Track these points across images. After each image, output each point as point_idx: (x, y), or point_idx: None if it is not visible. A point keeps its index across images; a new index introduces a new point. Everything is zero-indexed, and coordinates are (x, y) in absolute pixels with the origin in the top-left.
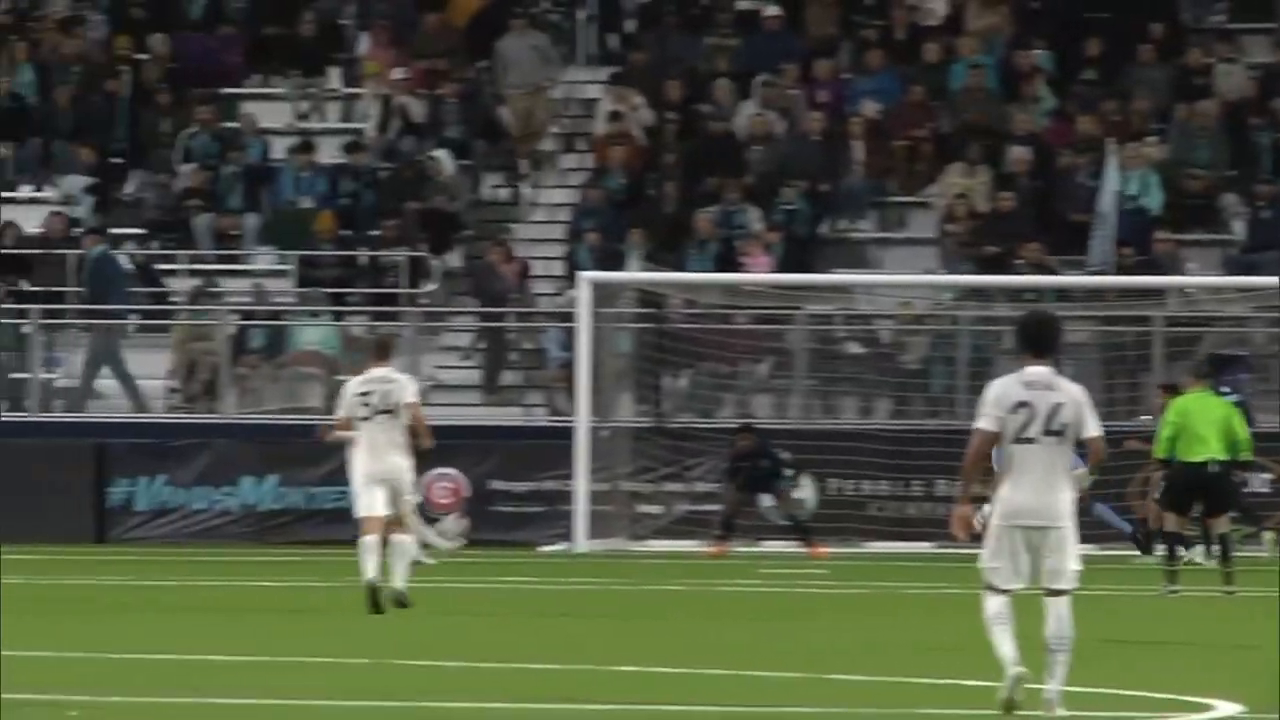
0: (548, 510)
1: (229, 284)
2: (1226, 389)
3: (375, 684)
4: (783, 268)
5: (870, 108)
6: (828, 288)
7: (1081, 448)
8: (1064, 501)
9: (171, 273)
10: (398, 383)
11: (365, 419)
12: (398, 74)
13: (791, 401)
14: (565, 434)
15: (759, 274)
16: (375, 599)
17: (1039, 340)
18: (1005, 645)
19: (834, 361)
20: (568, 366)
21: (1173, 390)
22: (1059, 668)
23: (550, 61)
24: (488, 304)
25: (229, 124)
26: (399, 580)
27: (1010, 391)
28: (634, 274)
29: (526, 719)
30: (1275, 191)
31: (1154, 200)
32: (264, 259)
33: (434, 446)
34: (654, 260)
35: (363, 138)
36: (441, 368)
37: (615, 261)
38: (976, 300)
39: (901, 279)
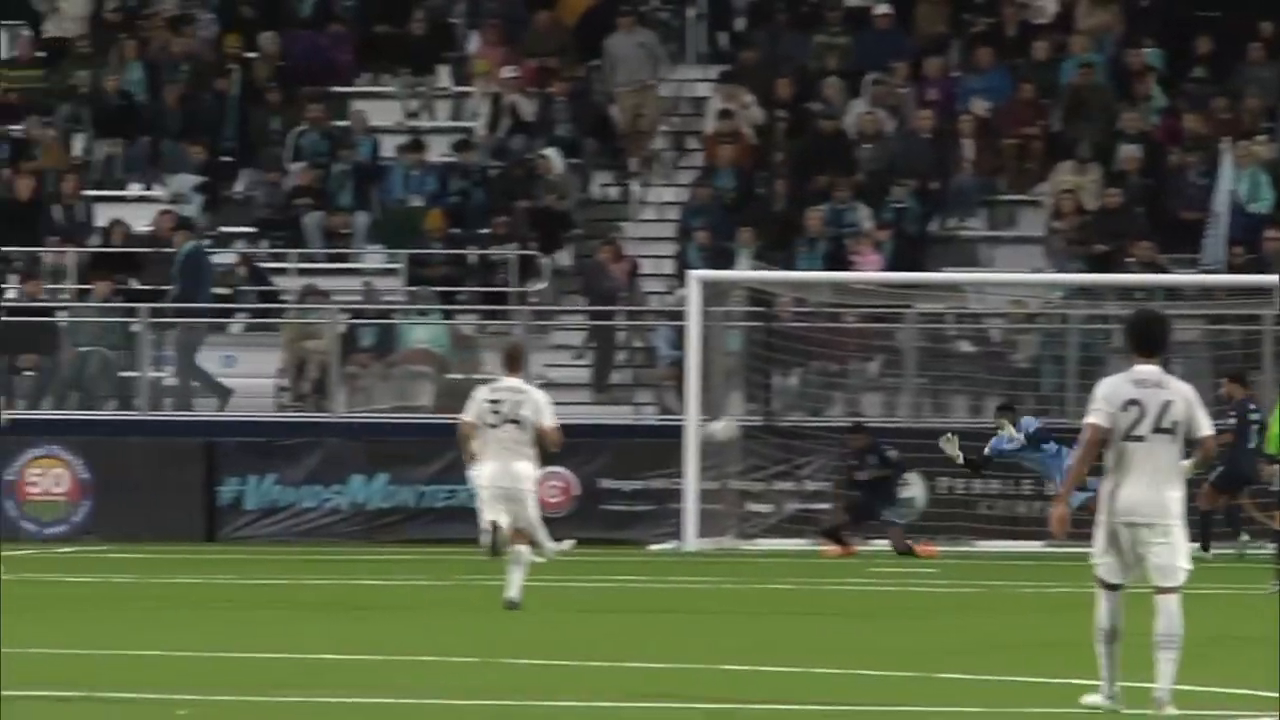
0: (657, 509)
1: (338, 282)
2: None
3: (484, 682)
4: (892, 266)
5: (980, 106)
6: (937, 286)
7: (1191, 446)
8: (1173, 499)
9: (281, 271)
10: (528, 394)
11: (493, 426)
12: (507, 72)
13: (901, 400)
14: (675, 432)
15: (869, 272)
16: (496, 541)
17: (1148, 339)
18: (1105, 669)
19: (944, 360)
20: (677, 365)
21: (1240, 381)
22: (1169, 665)
23: (658, 59)
24: (597, 303)
25: (339, 122)
26: (514, 589)
27: (1120, 389)
28: (744, 272)
29: (635, 718)
30: None
31: (1264, 199)
32: (373, 257)
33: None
34: (763, 259)
35: (472, 136)
36: (551, 366)
37: (725, 260)
38: (1086, 298)
39: (1011, 277)
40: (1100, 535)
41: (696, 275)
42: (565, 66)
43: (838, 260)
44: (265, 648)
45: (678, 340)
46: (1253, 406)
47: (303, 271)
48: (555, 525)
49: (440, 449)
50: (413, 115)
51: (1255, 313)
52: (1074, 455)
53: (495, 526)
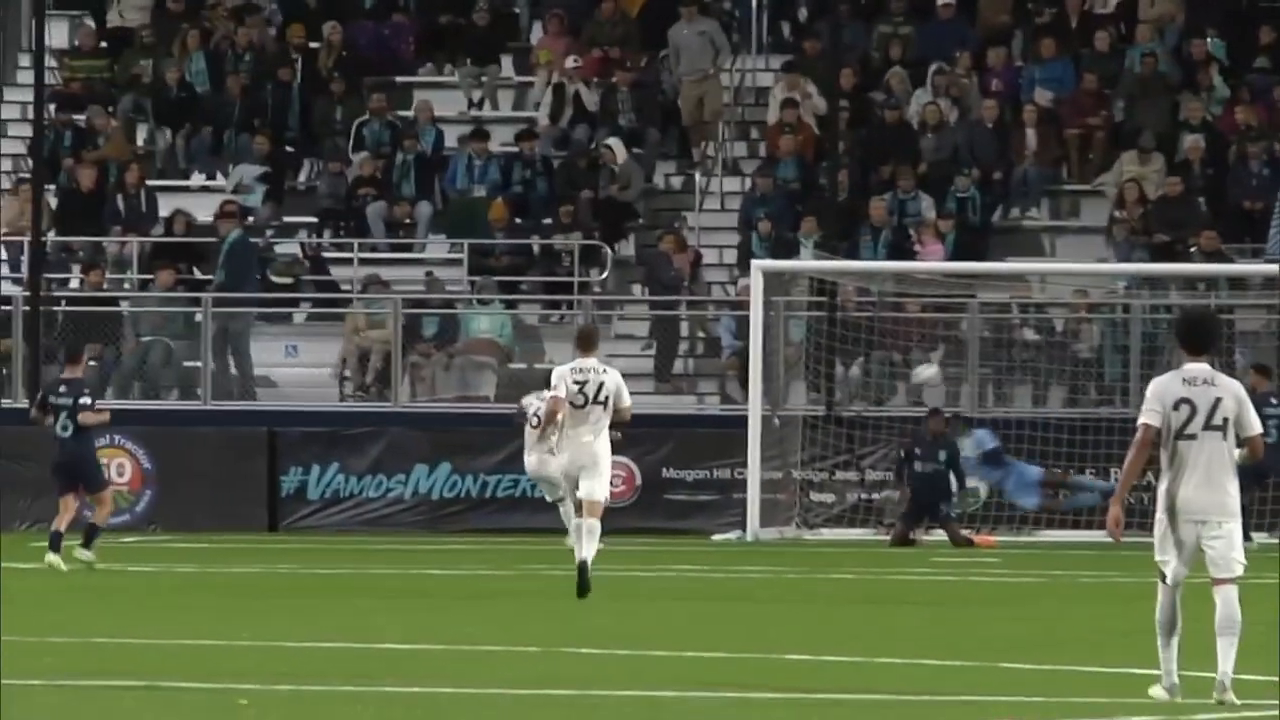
0: (721, 498)
1: (401, 272)
2: None
3: (547, 672)
4: (955, 256)
5: (1043, 96)
6: (1000, 276)
7: (1242, 444)
8: (1228, 494)
9: (344, 261)
10: (610, 375)
11: (578, 406)
12: (570, 62)
13: (964, 390)
14: (738, 422)
15: (931, 262)
16: (583, 578)
17: (1197, 338)
18: (1167, 661)
19: (1007, 350)
20: (740, 355)
21: (1265, 373)
22: (1229, 650)
23: (720, 49)
24: (660, 293)
25: (402, 112)
26: (588, 549)
27: (1171, 388)
28: (806, 262)
29: (698, 707)
30: None
31: None
32: (436, 248)
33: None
34: (826, 248)
35: (535, 126)
36: (614, 356)
37: (788, 250)
38: (1149, 288)
39: (1074, 267)
40: (1159, 532)
41: (759, 265)
42: (628, 56)
43: (900, 250)
44: (327, 637)
45: (740, 330)
46: (1274, 400)
47: (365, 262)
48: (619, 515)
49: (503, 439)
50: (475, 105)
51: None
52: (1129, 454)
53: (582, 566)
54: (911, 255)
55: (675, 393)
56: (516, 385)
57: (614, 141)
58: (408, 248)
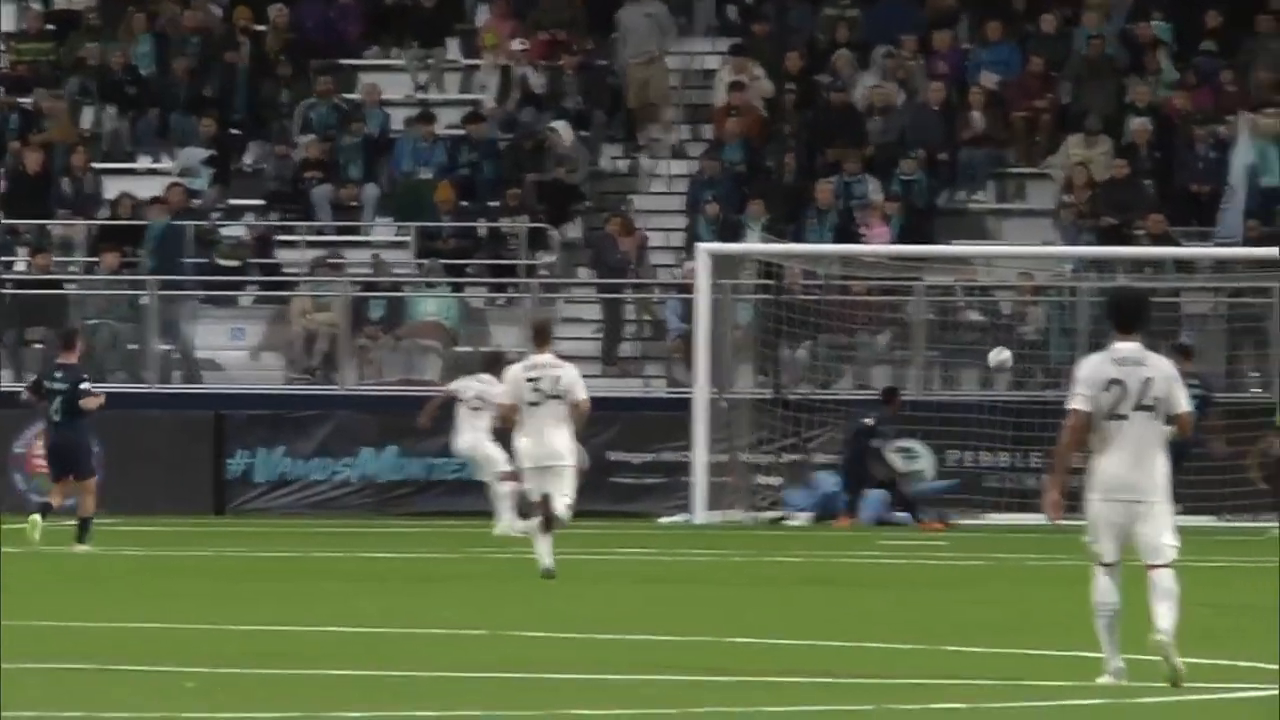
0: (667, 481)
1: (348, 255)
2: None
3: (494, 655)
4: (902, 239)
5: (989, 78)
6: (946, 259)
7: (1171, 422)
8: (1159, 475)
9: (290, 244)
10: (565, 369)
11: (535, 404)
12: (517, 45)
13: (910, 373)
14: (685, 405)
15: (878, 245)
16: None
17: (1127, 317)
18: (1106, 646)
19: (953, 332)
20: (686, 338)
21: (1185, 352)
22: (1168, 610)
23: (667, 31)
24: (606, 275)
25: (348, 95)
26: (548, 558)
27: (1101, 369)
28: (753, 245)
29: (645, 691)
30: None
31: (1274, 172)
32: (383, 230)
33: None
34: (773, 231)
35: (481, 109)
36: (560, 339)
37: (734, 233)
38: (1096, 271)
39: (1020, 250)
40: (1091, 515)
41: (705, 248)
42: (574, 39)
43: (847, 233)
44: (274, 621)
45: (687, 313)
46: (1195, 381)
47: (312, 244)
48: None
49: (450, 422)
50: (422, 88)
51: (1267, 285)
52: (1060, 439)
53: (548, 574)
54: (857, 238)
55: (622, 376)
56: (462, 368)
57: (560, 124)
58: (354, 230)
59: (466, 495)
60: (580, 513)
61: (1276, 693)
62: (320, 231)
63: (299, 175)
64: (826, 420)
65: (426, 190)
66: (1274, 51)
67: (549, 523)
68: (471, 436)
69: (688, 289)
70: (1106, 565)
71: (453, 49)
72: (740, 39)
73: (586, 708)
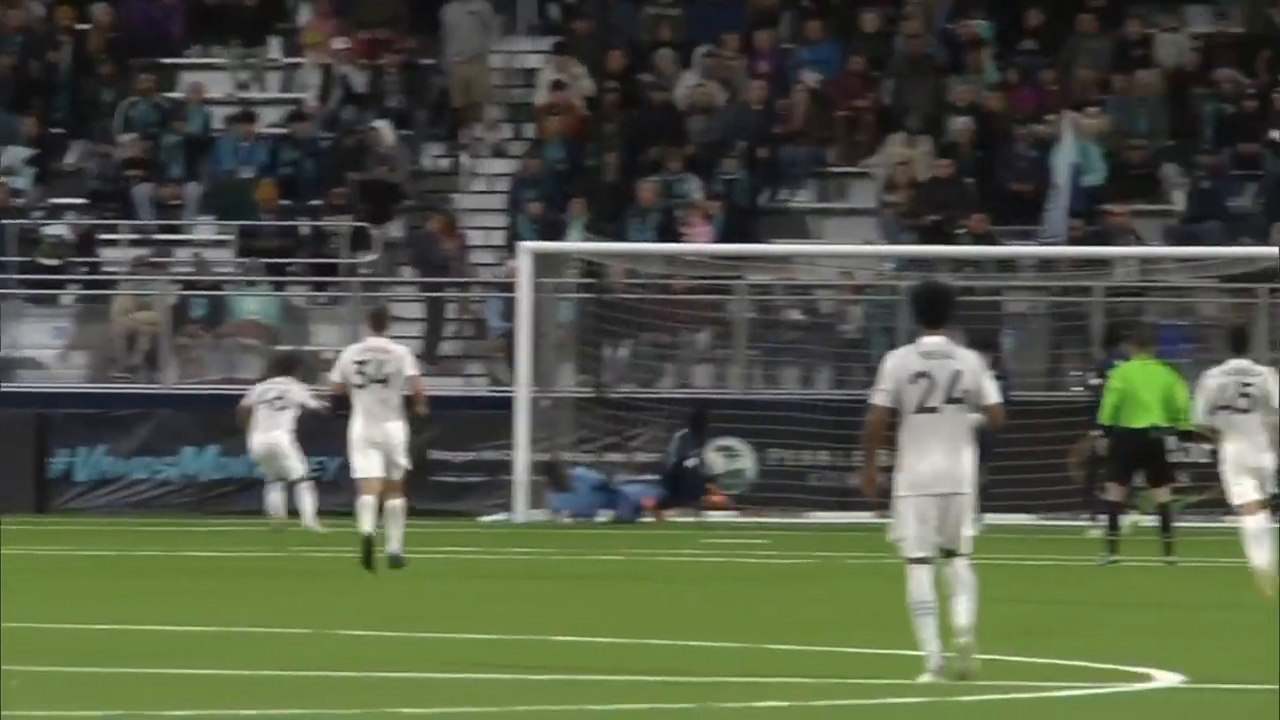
0: (488, 480)
1: (170, 254)
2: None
3: (317, 654)
4: (723, 238)
5: (811, 78)
6: (768, 258)
7: (982, 413)
8: (968, 468)
9: (112, 243)
10: (394, 353)
11: (360, 387)
12: (339, 44)
13: (732, 371)
14: (506, 404)
15: (700, 244)
16: (369, 552)
17: (933, 311)
18: (927, 642)
19: (774, 331)
20: (508, 336)
21: (990, 347)
22: (966, 604)
23: (491, 29)
24: (428, 274)
25: (170, 94)
26: (395, 543)
27: (908, 363)
28: (574, 244)
29: (467, 689)
30: (1215, 162)
31: (1095, 171)
32: (204, 229)
33: (429, 415)
34: (595, 230)
35: (303, 108)
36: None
37: (556, 231)
38: (917, 270)
39: (842, 249)
40: (901, 510)
41: (527, 246)
42: (396, 38)
43: (668, 232)
44: (96, 619)
45: (508, 312)
46: (994, 374)
47: (134, 243)
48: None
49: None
50: (244, 87)
51: (1089, 284)
52: (864, 433)
53: (368, 539)
54: (679, 237)
55: (443, 374)
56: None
57: (382, 123)
58: (176, 229)
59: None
60: None
61: (1276, 693)
62: (142, 230)
63: (121, 174)
64: (648, 419)
65: (248, 189)
66: (1095, 50)
67: (368, 559)
68: (269, 436)
69: (509, 288)
70: (921, 560)
71: (274, 48)
72: (562, 38)
73: (409, 706)
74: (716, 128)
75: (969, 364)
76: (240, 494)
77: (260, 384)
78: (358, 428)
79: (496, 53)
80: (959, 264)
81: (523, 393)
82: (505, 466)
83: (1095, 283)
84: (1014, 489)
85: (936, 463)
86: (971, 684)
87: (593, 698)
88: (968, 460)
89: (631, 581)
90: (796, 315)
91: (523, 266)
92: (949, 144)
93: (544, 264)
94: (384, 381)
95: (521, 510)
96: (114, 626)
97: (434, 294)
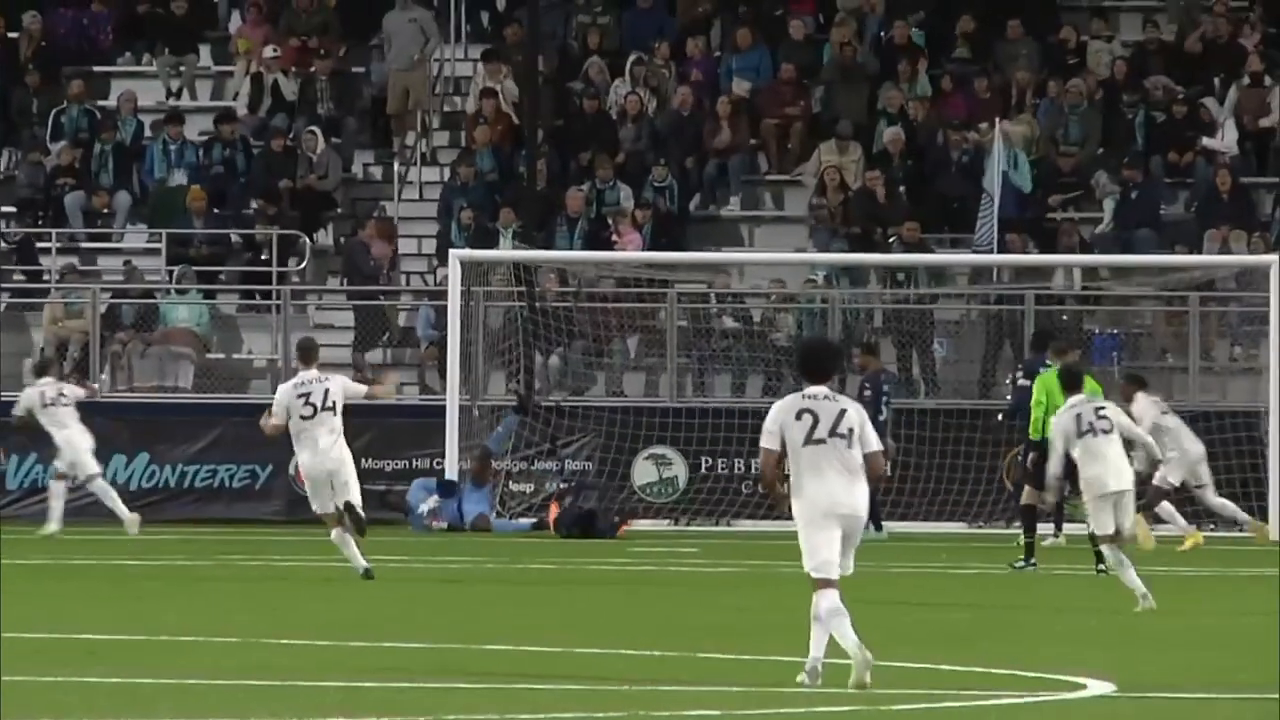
0: None
1: (100, 262)
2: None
3: (247, 661)
4: (653, 245)
5: (741, 86)
6: (698, 265)
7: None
8: (864, 495)
9: (43, 251)
10: (333, 381)
11: (308, 418)
12: (269, 51)
13: (663, 379)
14: (437, 412)
15: (630, 252)
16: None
17: (816, 366)
18: (816, 645)
19: (705, 339)
20: (439, 345)
21: (874, 352)
22: (850, 630)
23: (430, 37)
24: (359, 282)
25: (100, 102)
26: (361, 559)
27: (790, 404)
28: (505, 252)
29: (399, 697)
30: (1146, 170)
31: (1025, 178)
32: (135, 237)
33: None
34: (525, 238)
35: (234, 115)
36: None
37: (486, 239)
38: (848, 278)
39: (772, 257)
40: (814, 538)
41: (458, 254)
42: (326, 45)
43: (598, 239)
44: (26, 627)
45: (439, 320)
46: (882, 376)
47: (64, 251)
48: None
49: (201, 429)
50: (174, 95)
51: (1020, 292)
52: (760, 479)
53: (366, 573)
54: (609, 245)
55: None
56: (213, 375)
57: (312, 131)
58: (106, 237)
59: (217, 502)
60: None
61: (1276, 696)
62: (73, 238)
63: (51, 182)
64: (579, 427)
65: (179, 196)
66: (1026, 57)
67: (359, 526)
68: (66, 433)
69: (440, 295)
70: (829, 581)
71: (205, 55)
72: (493, 46)
73: (338, 715)
74: (646, 135)
75: (854, 407)
76: (169, 502)
77: (26, 396)
78: (306, 461)
79: (429, 61)
80: (890, 271)
81: (453, 400)
82: (437, 474)
83: (1028, 290)
84: (945, 496)
85: (835, 489)
86: (905, 692)
87: (523, 706)
88: (864, 487)
89: (562, 589)
90: (728, 323)
91: (453, 274)
92: (880, 151)
93: (474, 272)
94: (330, 409)
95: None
96: (45, 635)
97: (364, 302)
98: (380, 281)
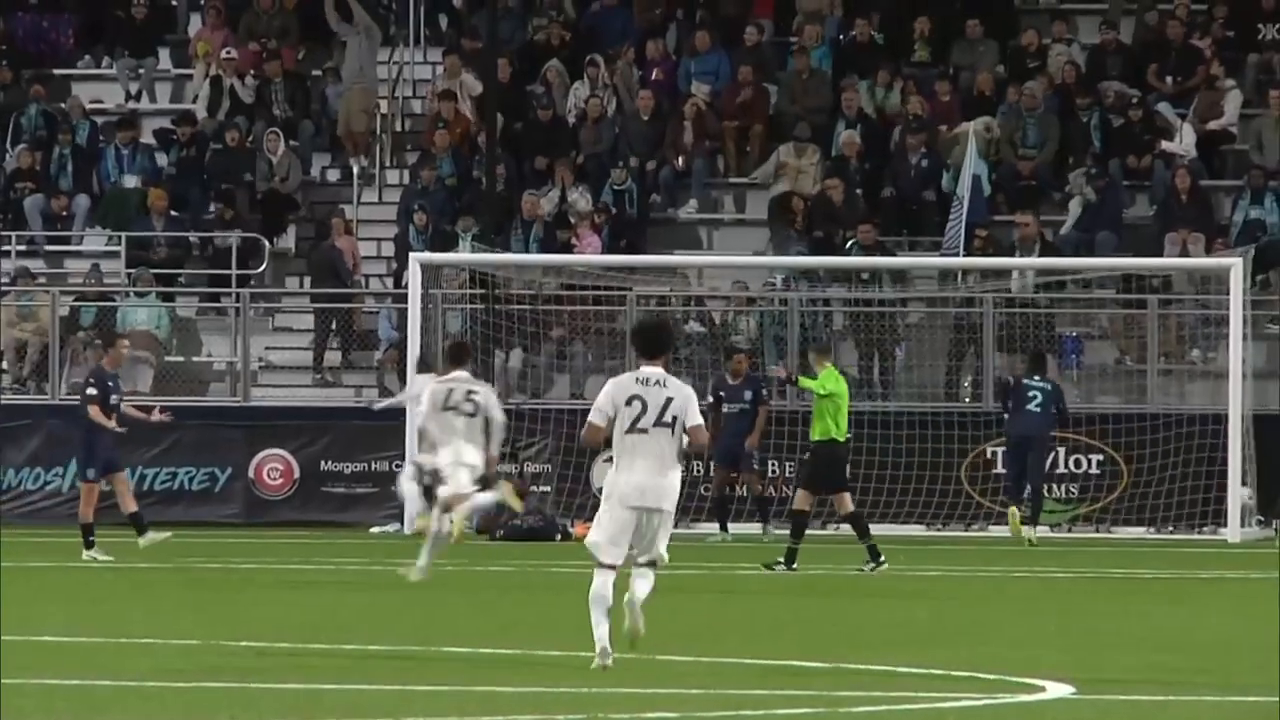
0: (379, 491)
1: (59, 265)
2: None
3: (207, 664)
4: (612, 248)
5: (700, 88)
6: (657, 268)
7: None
8: (673, 487)
9: (4, 254)
10: (482, 388)
11: (471, 415)
12: (228, 55)
13: None
14: (396, 415)
15: (589, 255)
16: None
17: (651, 344)
18: (601, 628)
19: None
20: (399, 347)
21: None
22: (646, 588)
23: (384, 41)
24: (319, 285)
25: (60, 104)
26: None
27: (624, 386)
28: (464, 255)
29: (358, 700)
30: (1105, 172)
31: (984, 181)
32: (94, 240)
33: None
34: (484, 241)
35: (193, 118)
36: (272, 349)
37: (445, 242)
38: (807, 281)
39: (731, 260)
40: (602, 518)
41: (417, 257)
42: (285, 49)
43: (558, 242)
44: None
45: (399, 322)
46: (754, 373)
47: (23, 254)
48: (278, 507)
49: (163, 432)
50: (133, 98)
51: (980, 295)
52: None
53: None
54: (568, 248)
55: (334, 385)
56: (172, 378)
57: (272, 134)
58: (66, 240)
59: (177, 505)
60: (292, 522)
61: (1276, 698)
62: (31, 241)
63: (10, 185)
64: (539, 429)
65: (137, 199)
66: (986, 60)
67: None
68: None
69: (400, 298)
70: (609, 566)
71: (164, 59)
72: (451, 49)
73: (296, 717)
74: (605, 138)
75: (680, 393)
76: None
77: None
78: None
79: (386, 63)
80: (848, 273)
81: (413, 404)
82: (395, 478)
83: (987, 293)
84: (906, 499)
85: (644, 479)
86: (864, 695)
87: (482, 709)
88: (672, 480)
89: (523, 592)
90: (693, 326)
91: (413, 277)
92: (838, 154)
93: (434, 275)
94: (474, 414)
95: (410, 521)
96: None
97: (324, 305)
98: (340, 285)
